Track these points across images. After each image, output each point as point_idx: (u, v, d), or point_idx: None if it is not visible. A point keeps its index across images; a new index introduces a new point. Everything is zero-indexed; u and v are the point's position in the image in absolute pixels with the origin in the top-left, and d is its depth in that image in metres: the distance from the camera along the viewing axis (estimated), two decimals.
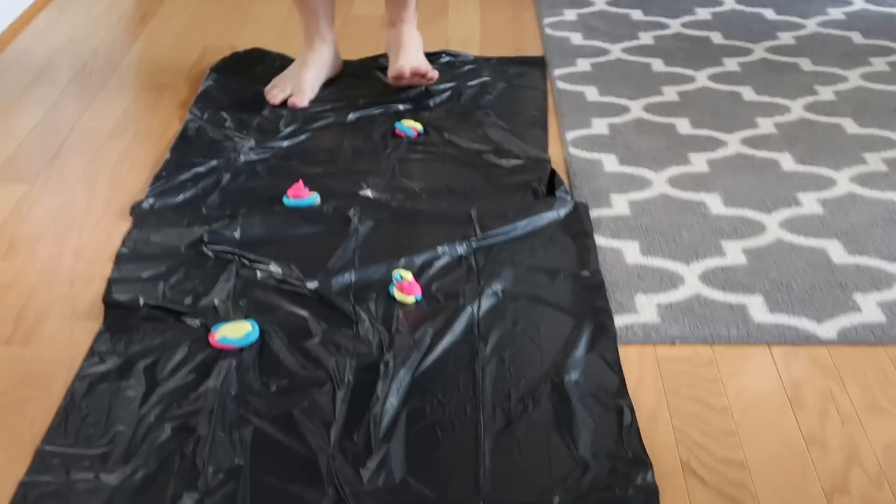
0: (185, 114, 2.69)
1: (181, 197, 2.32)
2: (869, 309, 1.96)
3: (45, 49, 3.11)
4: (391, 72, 2.74)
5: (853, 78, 2.87)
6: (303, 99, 2.70)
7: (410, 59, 2.74)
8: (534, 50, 3.08)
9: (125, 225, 2.24)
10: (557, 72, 2.92)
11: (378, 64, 2.95)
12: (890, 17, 3.26)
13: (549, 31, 3.19)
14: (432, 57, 2.97)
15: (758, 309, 1.96)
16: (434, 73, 2.73)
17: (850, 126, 2.62)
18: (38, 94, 2.84)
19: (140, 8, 3.41)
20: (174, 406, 1.72)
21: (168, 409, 1.71)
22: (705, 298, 1.99)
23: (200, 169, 2.42)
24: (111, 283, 2.04)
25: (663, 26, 3.22)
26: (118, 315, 1.95)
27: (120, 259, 2.11)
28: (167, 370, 1.81)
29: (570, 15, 3.31)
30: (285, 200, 2.29)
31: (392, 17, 2.82)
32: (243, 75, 2.88)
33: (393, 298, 1.99)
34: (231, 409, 1.71)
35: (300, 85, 2.73)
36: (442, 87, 2.80)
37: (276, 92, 2.73)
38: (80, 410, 1.71)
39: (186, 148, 2.51)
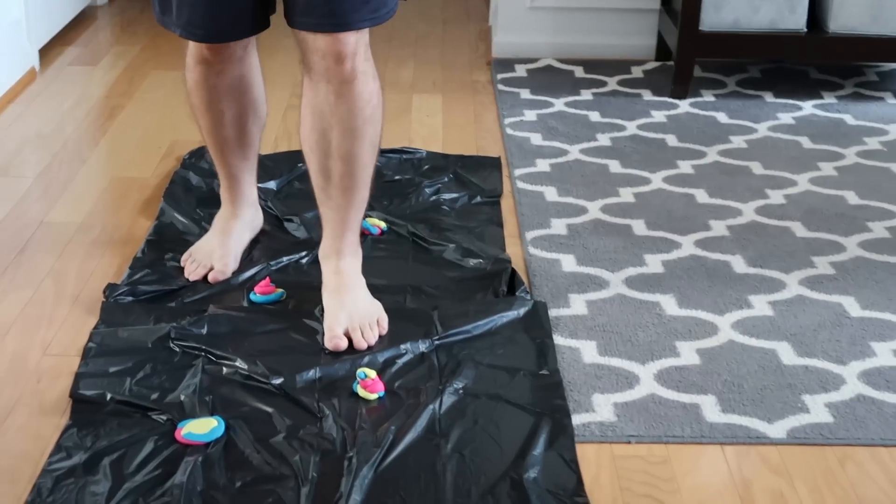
0: (154, 209, 2.74)
1: (149, 291, 2.35)
2: (817, 410, 2.03)
3: (13, 142, 3.15)
4: (325, 337, 2.19)
5: (802, 182, 2.97)
6: (225, 272, 2.39)
7: (341, 320, 2.19)
8: (494, 149, 3.16)
9: (93, 320, 2.27)
10: (518, 172, 3.00)
11: None
12: (837, 122, 3.38)
13: (509, 131, 3.28)
14: (391, 154, 3.03)
15: (710, 409, 2.02)
16: (373, 338, 2.18)
17: (800, 230, 2.71)
18: (5, 187, 2.88)
19: (108, 102, 3.47)
20: (140, 502, 1.75)
21: None
22: (660, 398, 2.05)
23: (170, 264, 2.46)
24: (78, 377, 2.07)
25: (620, 128, 3.32)
26: (85, 410, 1.99)
27: (87, 354, 2.15)
28: (133, 466, 1.84)
29: (530, 115, 3.41)
30: (252, 297, 2.34)
31: (327, 246, 2.27)
32: (213, 168, 2.93)
33: (356, 395, 2.03)
34: None
35: (222, 257, 2.41)
36: (400, 179, 2.88)
37: (194, 267, 2.41)
38: None
39: (157, 243, 2.56)
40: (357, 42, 2.07)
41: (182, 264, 2.45)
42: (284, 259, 2.49)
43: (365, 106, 2.12)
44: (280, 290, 2.36)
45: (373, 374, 2.06)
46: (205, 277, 2.40)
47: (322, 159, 2.16)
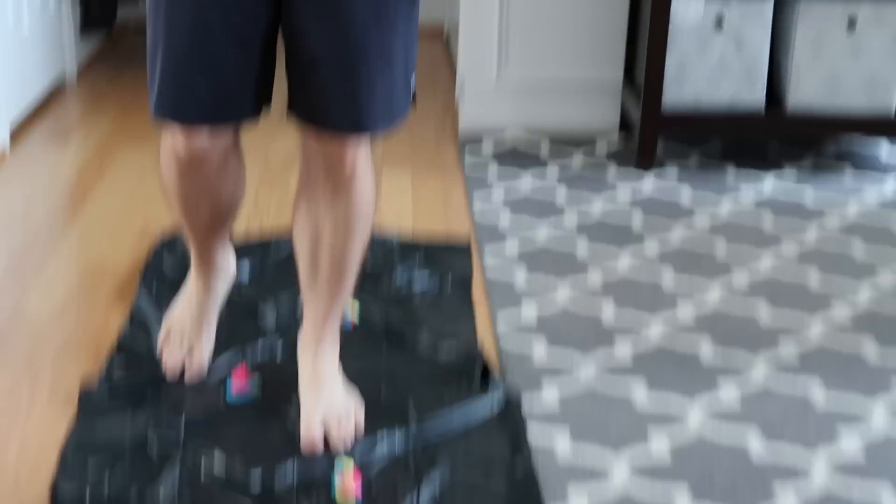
0: (128, 296, 2.76)
1: (126, 387, 2.37)
2: (787, 501, 2.07)
3: None
4: (301, 438, 2.21)
5: (765, 260, 3.03)
6: (202, 368, 2.42)
7: (317, 415, 2.21)
8: (463, 229, 3.21)
9: (70, 414, 2.29)
10: (487, 254, 3.04)
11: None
12: (798, 196, 3.46)
13: (477, 210, 3.33)
14: None
15: (684, 502, 2.06)
16: (349, 434, 2.20)
17: (764, 312, 2.76)
18: None
19: (80, 184, 3.49)
20: None
21: None
22: (634, 490, 2.09)
23: (146, 356, 2.48)
24: (57, 475, 2.08)
25: (587, 204, 3.38)
26: None
27: (65, 450, 2.16)
28: None
29: (498, 193, 3.46)
30: (229, 398, 2.35)
31: (307, 332, 2.28)
32: (186, 253, 2.95)
33: (334, 500, 2.05)
34: None
35: (196, 348, 2.42)
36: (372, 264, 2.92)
37: (172, 349, 2.42)
38: None
39: (132, 333, 2.57)
40: (359, 142, 2.08)
41: (160, 346, 2.44)
42: (258, 348, 2.51)
43: (360, 202, 2.13)
44: (255, 387, 2.38)
45: (350, 464, 2.09)
46: (181, 372, 2.41)
47: (312, 250, 2.17)
